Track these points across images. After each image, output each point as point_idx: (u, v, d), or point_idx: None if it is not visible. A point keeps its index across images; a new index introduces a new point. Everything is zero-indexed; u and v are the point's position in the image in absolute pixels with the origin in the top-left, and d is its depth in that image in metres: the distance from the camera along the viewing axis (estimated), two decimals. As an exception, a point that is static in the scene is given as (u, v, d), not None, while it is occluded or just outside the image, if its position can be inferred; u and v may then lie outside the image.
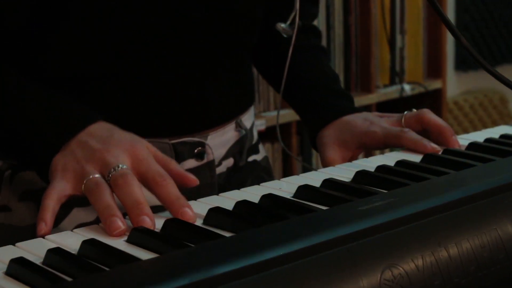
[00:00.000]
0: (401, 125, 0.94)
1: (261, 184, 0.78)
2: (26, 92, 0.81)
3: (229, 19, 0.90)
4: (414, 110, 0.96)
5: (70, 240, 0.62)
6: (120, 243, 0.62)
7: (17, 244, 0.61)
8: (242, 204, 0.68)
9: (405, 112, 0.95)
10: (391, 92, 2.63)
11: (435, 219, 0.59)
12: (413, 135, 0.90)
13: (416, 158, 0.86)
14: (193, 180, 0.74)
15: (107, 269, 0.55)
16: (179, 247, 0.58)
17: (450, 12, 3.08)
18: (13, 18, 0.82)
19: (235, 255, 0.53)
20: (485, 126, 3.22)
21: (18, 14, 0.82)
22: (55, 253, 0.57)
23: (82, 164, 0.72)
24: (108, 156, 0.72)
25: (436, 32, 2.73)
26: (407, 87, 2.66)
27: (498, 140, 0.90)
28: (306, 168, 2.35)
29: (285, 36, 0.96)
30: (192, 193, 0.89)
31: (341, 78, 2.51)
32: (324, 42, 2.44)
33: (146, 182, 0.72)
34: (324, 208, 0.67)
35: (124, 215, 0.67)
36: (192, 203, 0.72)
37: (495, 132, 0.96)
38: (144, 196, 0.68)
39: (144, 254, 0.59)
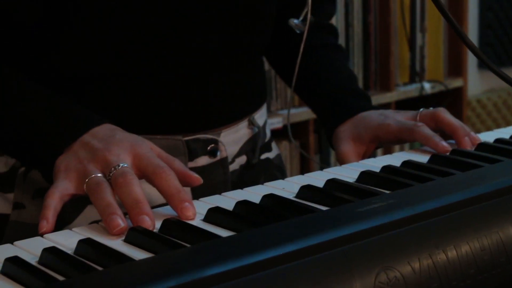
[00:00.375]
0: (415, 121, 0.94)
1: (264, 183, 0.78)
2: (31, 93, 0.81)
3: (234, 19, 0.90)
4: (432, 108, 0.95)
5: (69, 239, 0.62)
6: (117, 243, 0.62)
7: (15, 242, 0.61)
8: (242, 204, 0.68)
9: (421, 109, 0.95)
10: (411, 90, 2.61)
11: (434, 221, 0.58)
12: (426, 130, 0.90)
13: (424, 158, 0.85)
14: (197, 178, 0.73)
15: (101, 268, 0.55)
16: (176, 248, 0.58)
17: (474, 11, 3.04)
18: (16, 20, 0.83)
19: (228, 256, 0.52)
20: (508, 124, 3.18)
21: (21, 16, 0.83)
22: (50, 253, 0.57)
23: (84, 163, 0.72)
24: (110, 155, 0.72)
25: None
26: (427, 86, 2.64)
27: (508, 140, 0.89)
28: (323, 167, 2.34)
29: (297, 32, 0.96)
30: (205, 190, 0.89)
31: (360, 76, 2.50)
32: (343, 40, 2.43)
33: (147, 175, 0.71)
34: (325, 208, 0.67)
35: (126, 214, 0.67)
36: (193, 202, 0.72)
37: (507, 132, 0.95)
38: (144, 195, 0.68)
39: (140, 254, 0.59)
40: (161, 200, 0.72)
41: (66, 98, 0.81)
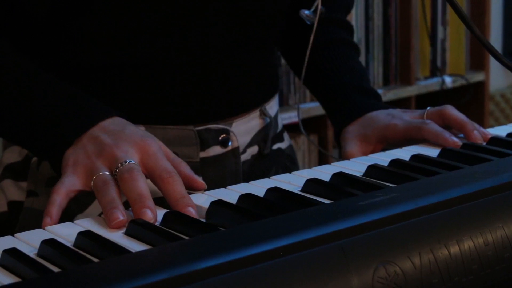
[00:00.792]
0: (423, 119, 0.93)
1: (271, 177, 0.77)
2: (42, 84, 0.81)
3: (246, 9, 0.90)
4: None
5: (70, 231, 0.62)
6: (117, 236, 0.61)
7: (16, 234, 0.62)
8: (245, 198, 0.67)
9: (428, 108, 0.94)
10: (432, 84, 2.58)
11: (436, 215, 0.57)
12: (434, 127, 0.89)
13: (434, 152, 0.84)
14: (201, 184, 0.74)
15: (97, 260, 0.55)
16: (175, 240, 0.57)
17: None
18: (25, 9, 0.83)
19: (224, 249, 0.52)
20: (532, 119, 3.14)
21: (30, 6, 0.83)
22: (49, 245, 0.57)
23: (92, 159, 0.73)
24: (118, 151, 0.72)
25: (479, 23, 2.67)
26: (448, 80, 2.61)
27: (521, 134, 0.88)
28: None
29: (308, 23, 0.96)
30: (217, 180, 0.89)
31: (380, 70, 2.48)
32: (363, 34, 2.41)
33: (153, 178, 0.72)
34: (329, 202, 0.66)
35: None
36: (199, 195, 0.72)
37: (521, 127, 0.93)
38: (148, 191, 0.68)
39: (140, 247, 0.58)
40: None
41: (77, 88, 0.81)
